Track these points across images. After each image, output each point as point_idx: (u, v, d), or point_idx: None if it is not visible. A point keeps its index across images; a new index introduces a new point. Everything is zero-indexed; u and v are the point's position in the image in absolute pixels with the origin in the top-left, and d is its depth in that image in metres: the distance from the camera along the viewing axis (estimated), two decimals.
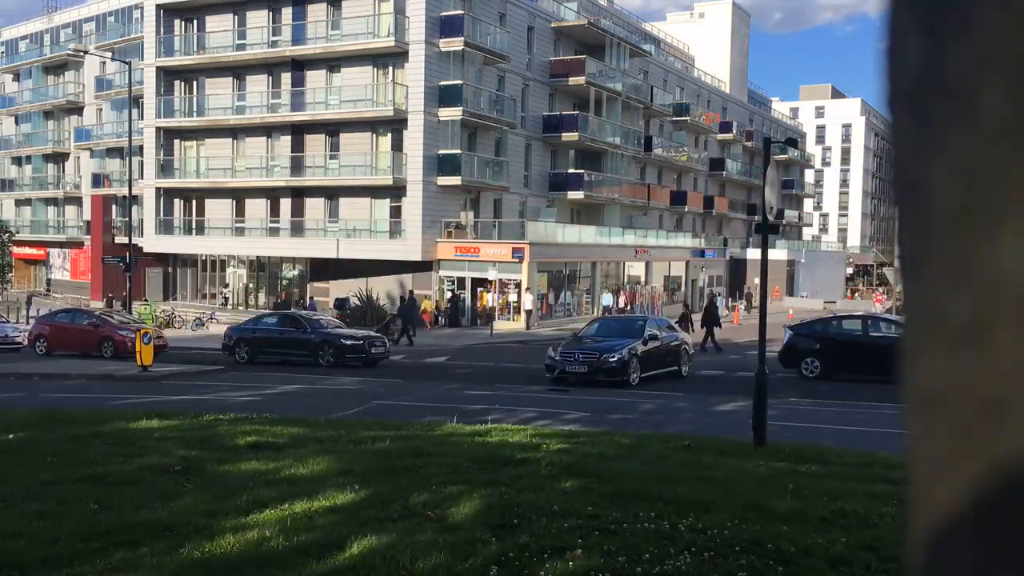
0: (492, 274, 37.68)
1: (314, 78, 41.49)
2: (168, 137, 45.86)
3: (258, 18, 42.87)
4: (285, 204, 42.93)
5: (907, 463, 0.53)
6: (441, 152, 38.82)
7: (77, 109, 59.34)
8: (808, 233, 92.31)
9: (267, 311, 35.27)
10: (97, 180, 56.56)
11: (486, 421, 13.25)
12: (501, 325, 37.14)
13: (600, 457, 9.93)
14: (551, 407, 16.50)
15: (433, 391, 19.03)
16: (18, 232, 58.47)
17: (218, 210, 45.23)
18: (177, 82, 45.72)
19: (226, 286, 46.34)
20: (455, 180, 38.53)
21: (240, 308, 44.23)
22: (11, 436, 11.07)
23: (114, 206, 49.67)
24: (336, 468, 9.05)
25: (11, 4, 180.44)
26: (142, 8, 47.24)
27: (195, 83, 45.38)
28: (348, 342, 24.79)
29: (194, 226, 46.26)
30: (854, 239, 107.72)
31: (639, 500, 7.50)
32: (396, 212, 39.82)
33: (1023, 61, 0.44)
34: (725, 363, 25.83)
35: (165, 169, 45.80)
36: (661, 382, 20.81)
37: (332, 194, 41.47)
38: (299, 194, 42.42)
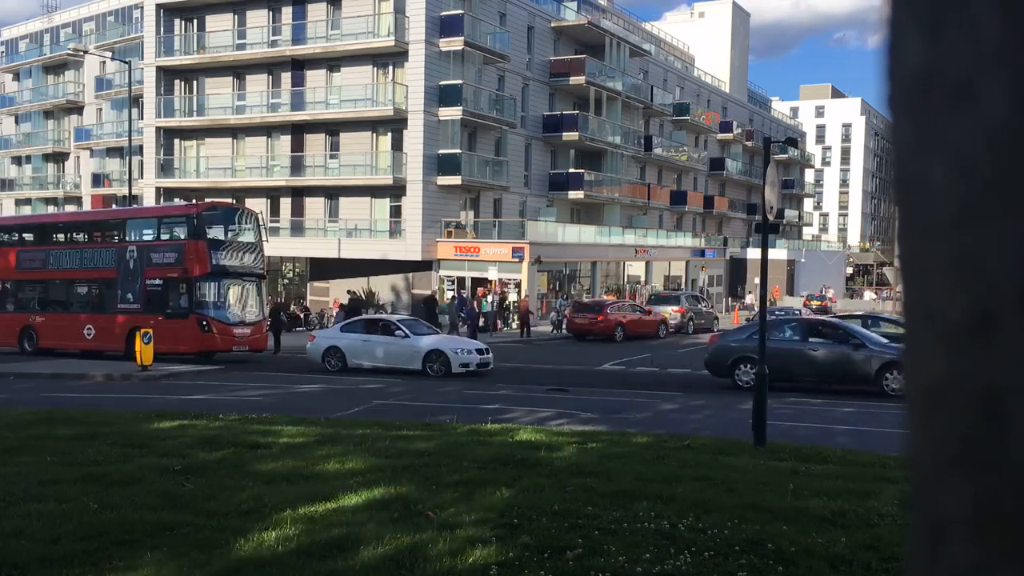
0: (492, 274, 37.66)
1: (314, 78, 41.48)
2: (168, 137, 45.85)
3: (258, 18, 42.86)
4: (285, 204, 42.92)
5: (907, 463, 0.52)
6: (441, 152, 38.81)
7: (77, 109, 59.35)
8: (808, 233, 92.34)
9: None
10: (97, 180, 56.60)
11: (487, 421, 13.25)
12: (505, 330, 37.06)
13: (600, 457, 9.93)
14: (554, 407, 16.50)
15: (434, 391, 19.04)
16: None
17: None
18: (177, 82, 45.71)
19: None
20: (455, 180, 38.52)
21: None
22: (11, 435, 11.06)
23: (114, 206, 49.68)
24: (336, 468, 9.05)
25: (11, 4, 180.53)
26: (142, 8, 47.23)
27: (195, 83, 45.36)
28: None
29: None
30: (854, 239, 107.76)
31: (639, 500, 7.50)
32: (396, 212, 39.81)
33: (1022, 60, 0.44)
34: None
35: (165, 169, 45.78)
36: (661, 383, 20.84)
37: (332, 194, 41.46)
38: (299, 194, 42.41)
